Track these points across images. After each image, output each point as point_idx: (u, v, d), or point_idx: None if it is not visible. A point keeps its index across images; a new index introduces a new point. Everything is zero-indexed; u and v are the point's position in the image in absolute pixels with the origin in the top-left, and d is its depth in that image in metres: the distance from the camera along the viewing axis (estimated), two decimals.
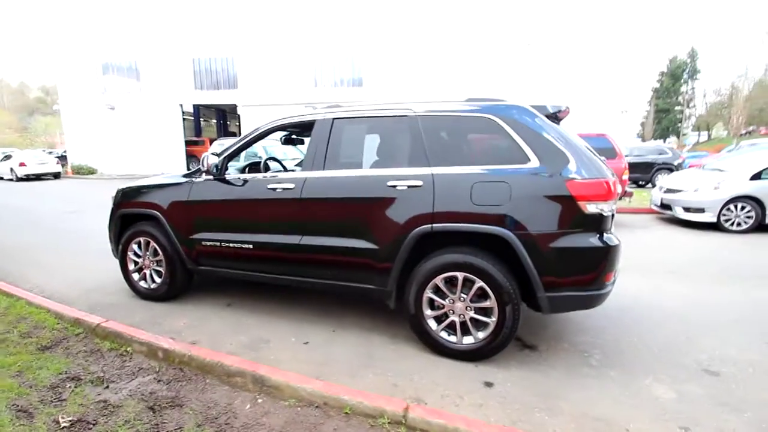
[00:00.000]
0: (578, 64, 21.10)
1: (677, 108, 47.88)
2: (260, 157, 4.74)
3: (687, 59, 50.12)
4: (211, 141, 22.48)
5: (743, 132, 39.56)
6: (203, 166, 3.18)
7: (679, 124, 47.08)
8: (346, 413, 2.03)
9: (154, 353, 2.62)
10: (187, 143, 21.96)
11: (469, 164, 2.60)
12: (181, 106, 21.69)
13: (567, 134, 2.54)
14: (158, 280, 3.64)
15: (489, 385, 2.40)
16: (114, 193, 3.86)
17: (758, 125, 42.88)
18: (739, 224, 6.53)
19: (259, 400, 2.18)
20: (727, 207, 6.56)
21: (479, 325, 2.60)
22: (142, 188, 3.71)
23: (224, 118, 31.27)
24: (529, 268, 2.40)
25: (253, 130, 3.35)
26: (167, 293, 3.62)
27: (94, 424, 1.99)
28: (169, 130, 21.29)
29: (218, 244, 3.29)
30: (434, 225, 2.57)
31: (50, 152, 25.06)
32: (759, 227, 6.48)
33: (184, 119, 22.12)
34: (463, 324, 2.62)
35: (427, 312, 2.69)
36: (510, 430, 1.89)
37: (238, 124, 33.96)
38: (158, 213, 3.48)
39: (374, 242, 2.76)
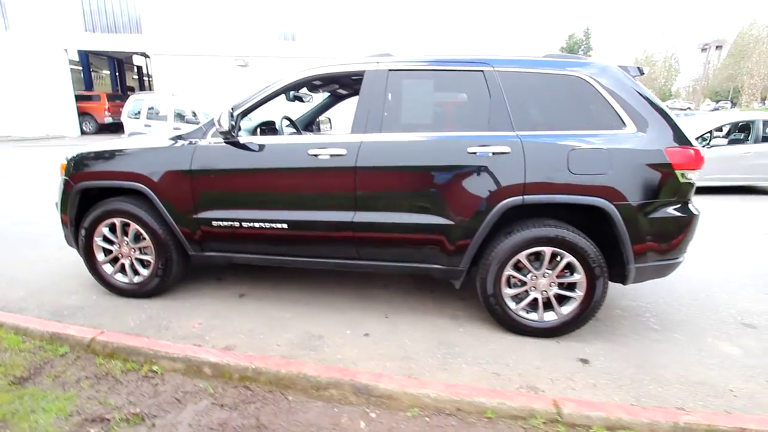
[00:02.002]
0: (488, 35, 21.80)
1: None
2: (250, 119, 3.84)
3: (582, 37, 55.00)
4: (110, 97, 18.96)
5: None
6: (220, 125, 2.45)
7: None
8: (489, 417, 1.77)
9: (196, 370, 2.02)
10: (78, 99, 18.17)
11: (559, 129, 2.36)
12: (67, 51, 17.67)
13: (657, 98, 2.43)
14: (145, 272, 2.87)
15: (585, 362, 2.32)
16: (65, 162, 2.87)
17: None
18: None
19: (372, 415, 1.79)
20: None
21: (562, 301, 2.49)
22: (113, 154, 2.79)
23: (120, 69, 26.51)
24: (624, 239, 2.31)
25: (276, 81, 2.67)
26: (159, 287, 2.88)
27: None
28: (52, 82, 17.25)
29: (237, 224, 2.65)
30: (525, 196, 2.32)
31: None
32: None
33: (71, 69, 18.11)
34: (545, 300, 2.48)
35: (506, 290, 2.49)
36: (668, 411, 1.82)
37: (136, 77, 29.12)
38: (145, 186, 2.67)
39: (448, 217, 2.43)
